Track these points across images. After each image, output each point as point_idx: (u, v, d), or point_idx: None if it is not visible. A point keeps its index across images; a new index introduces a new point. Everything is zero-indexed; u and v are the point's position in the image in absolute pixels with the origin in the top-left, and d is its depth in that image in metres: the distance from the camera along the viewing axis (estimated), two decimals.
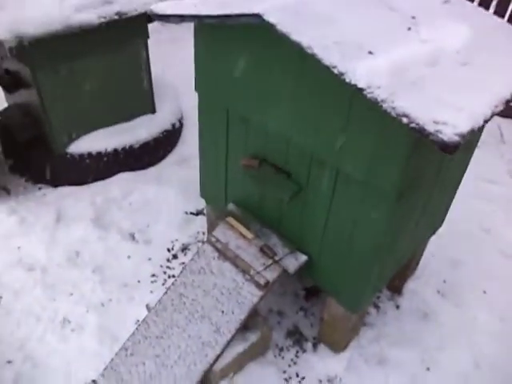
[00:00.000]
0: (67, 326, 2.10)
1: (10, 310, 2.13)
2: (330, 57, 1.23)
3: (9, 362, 1.94)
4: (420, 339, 2.13)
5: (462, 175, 1.98)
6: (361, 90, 1.18)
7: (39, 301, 2.18)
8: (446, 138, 1.07)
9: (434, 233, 2.17)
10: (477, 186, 3.15)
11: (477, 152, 3.51)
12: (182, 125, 3.20)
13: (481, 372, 2.01)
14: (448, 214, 2.27)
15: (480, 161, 3.38)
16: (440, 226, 2.18)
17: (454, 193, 2.06)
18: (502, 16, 3.57)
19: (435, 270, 2.48)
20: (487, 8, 3.57)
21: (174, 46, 4.50)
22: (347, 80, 1.19)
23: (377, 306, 2.30)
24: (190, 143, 3.12)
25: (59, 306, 2.17)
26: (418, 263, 2.41)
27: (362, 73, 1.18)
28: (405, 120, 1.13)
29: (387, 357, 2.06)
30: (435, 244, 2.58)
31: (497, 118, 3.89)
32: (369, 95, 1.17)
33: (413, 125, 1.12)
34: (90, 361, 1.97)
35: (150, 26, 5.01)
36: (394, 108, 1.14)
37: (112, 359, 1.85)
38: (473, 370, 2.01)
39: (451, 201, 2.09)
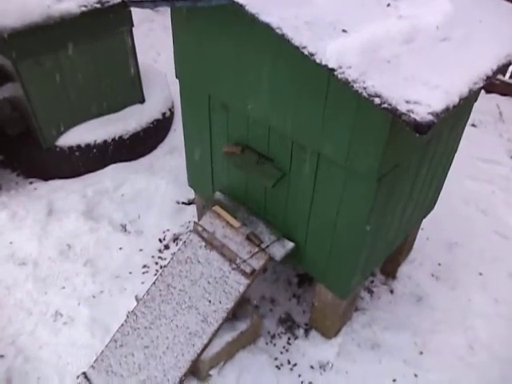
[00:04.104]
0: (59, 319, 2.10)
1: (2, 305, 2.13)
2: (300, 37, 1.18)
3: (1, 356, 1.95)
4: (413, 323, 2.10)
5: (452, 157, 1.93)
6: (332, 70, 1.13)
7: (31, 295, 2.19)
8: (418, 118, 1.03)
9: (425, 216, 2.13)
10: (475, 167, 3.09)
11: (475, 131, 3.48)
12: (172, 113, 3.17)
13: (475, 355, 1.98)
14: (444, 196, 2.21)
15: (478, 140, 3.33)
16: (432, 208, 2.14)
17: (445, 175, 2.00)
18: None
19: (430, 253, 2.44)
20: None
21: (166, 34, 4.43)
22: (317, 60, 1.14)
23: (370, 291, 2.27)
24: (181, 132, 3.08)
25: (51, 300, 2.17)
26: (411, 247, 2.38)
27: (332, 52, 1.13)
28: (377, 100, 1.08)
29: (380, 341, 2.04)
30: (430, 227, 2.54)
31: (495, 97, 3.80)
32: (340, 75, 1.12)
33: (385, 105, 1.07)
34: (82, 353, 1.98)
35: (143, 14, 4.91)
36: (365, 88, 1.09)
37: (102, 351, 1.85)
38: (467, 352, 1.98)
39: (442, 183, 2.04)
